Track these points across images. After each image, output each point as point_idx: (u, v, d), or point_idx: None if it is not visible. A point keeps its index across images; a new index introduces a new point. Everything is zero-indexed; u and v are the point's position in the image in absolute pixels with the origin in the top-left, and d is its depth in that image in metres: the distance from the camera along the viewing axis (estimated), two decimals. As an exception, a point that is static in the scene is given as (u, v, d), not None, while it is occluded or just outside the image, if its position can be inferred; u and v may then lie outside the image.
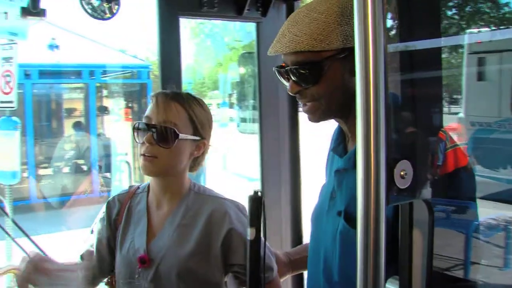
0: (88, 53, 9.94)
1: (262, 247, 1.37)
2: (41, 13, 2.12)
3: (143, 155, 1.45)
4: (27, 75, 8.54)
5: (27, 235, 3.44)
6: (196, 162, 1.58)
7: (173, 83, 1.73)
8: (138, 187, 1.63)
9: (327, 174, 1.42)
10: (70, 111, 10.50)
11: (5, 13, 4.71)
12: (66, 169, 9.61)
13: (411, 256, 0.89)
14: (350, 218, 1.18)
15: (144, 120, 1.47)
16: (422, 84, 0.91)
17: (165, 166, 1.47)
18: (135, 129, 1.49)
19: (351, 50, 0.98)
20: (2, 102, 5.26)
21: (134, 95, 10.44)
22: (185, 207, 1.51)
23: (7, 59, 5.40)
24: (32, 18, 2.11)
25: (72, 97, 10.73)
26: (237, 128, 2.79)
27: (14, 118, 5.47)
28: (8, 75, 5.39)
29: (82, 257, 1.60)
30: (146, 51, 17.49)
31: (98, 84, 9.80)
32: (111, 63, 9.89)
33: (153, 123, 1.45)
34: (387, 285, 0.86)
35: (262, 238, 1.23)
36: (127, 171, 8.42)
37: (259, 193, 1.23)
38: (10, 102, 5.23)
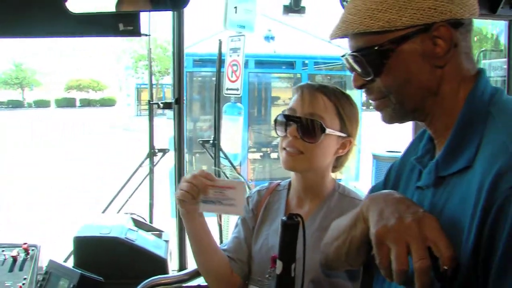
0: (299, 44, 10.29)
1: None
2: (301, 10, 2.21)
3: (285, 149, 1.36)
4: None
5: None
6: (339, 161, 1.44)
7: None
8: (279, 184, 1.55)
9: (403, 184, 1.07)
10: (279, 100, 11.02)
11: (235, 7, 5.11)
12: (274, 155, 10.14)
13: None
14: None
15: (287, 112, 1.37)
16: None
17: (310, 162, 1.36)
18: (276, 121, 1.38)
19: (427, 26, 0.86)
20: (229, 89, 5.72)
21: (342, 87, 10.48)
22: (326, 208, 1.39)
23: (235, 50, 5.88)
24: (293, 15, 2.21)
25: (281, 86, 11.24)
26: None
27: (239, 104, 5.94)
28: (235, 65, 5.86)
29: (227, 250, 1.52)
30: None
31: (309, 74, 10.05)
32: (323, 55, 10.05)
33: (297, 115, 1.34)
34: None
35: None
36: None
37: (297, 218, 1.00)
38: (236, 89, 5.67)
